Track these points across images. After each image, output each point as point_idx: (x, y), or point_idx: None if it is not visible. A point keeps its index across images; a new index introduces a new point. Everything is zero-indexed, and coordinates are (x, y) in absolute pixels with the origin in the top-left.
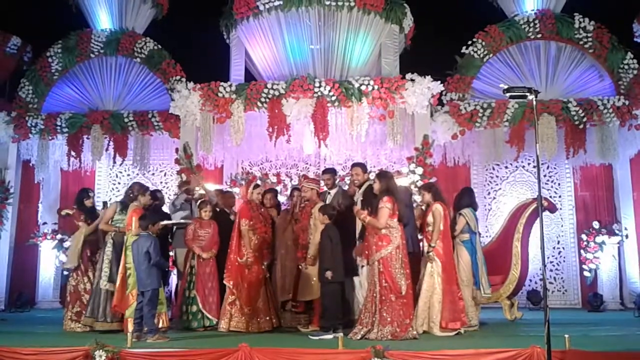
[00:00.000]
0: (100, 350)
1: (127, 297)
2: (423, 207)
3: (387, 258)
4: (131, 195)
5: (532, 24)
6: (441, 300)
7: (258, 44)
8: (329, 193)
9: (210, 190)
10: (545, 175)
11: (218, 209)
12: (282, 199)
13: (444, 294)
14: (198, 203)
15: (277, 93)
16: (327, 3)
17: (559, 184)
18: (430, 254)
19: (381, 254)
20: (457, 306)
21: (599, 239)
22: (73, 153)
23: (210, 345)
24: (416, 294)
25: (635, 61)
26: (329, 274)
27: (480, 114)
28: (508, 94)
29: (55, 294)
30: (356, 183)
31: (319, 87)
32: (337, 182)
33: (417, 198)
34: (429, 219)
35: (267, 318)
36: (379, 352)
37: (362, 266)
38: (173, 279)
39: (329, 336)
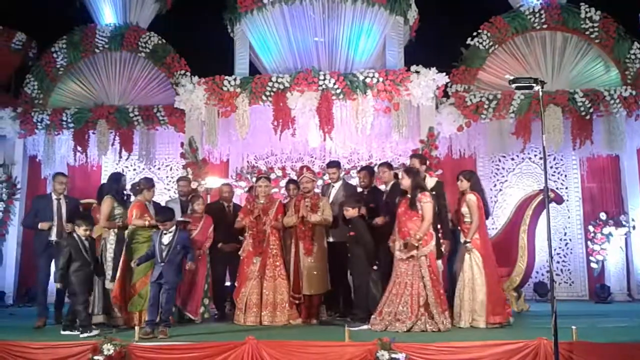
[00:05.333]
0: (108, 344)
1: (128, 290)
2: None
3: (432, 252)
4: (137, 188)
5: (537, 15)
6: (485, 293)
7: (262, 37)
8: (333, 186)
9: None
10: (551, 167)
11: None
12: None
13: (487, 287)
14: (190, 197)
15: (281, 86)
16: None
17: (565, 176)
18: (468, 245)
19: (429, 247)
20: (500, 299)
21: (606, 230)
22: (79, 148)
23: (217, 338)
24: (458, 288)
25: None
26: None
27: (486, 106)
28: (514, 85)
29: None
30: (384, 179)
31: (324, 80)
32: (342, 175)
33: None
34: (464, 209)
35: (271, 312)
36: (386, 345)
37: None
38: None
39: (366, 326)
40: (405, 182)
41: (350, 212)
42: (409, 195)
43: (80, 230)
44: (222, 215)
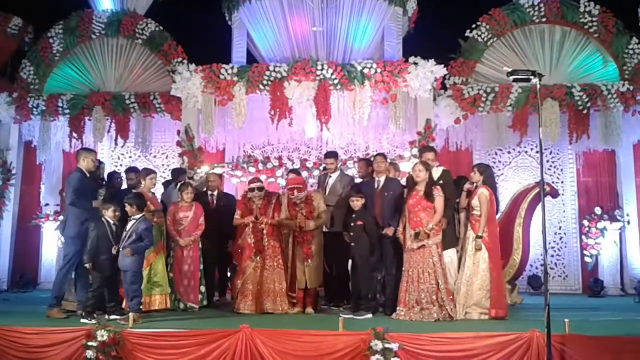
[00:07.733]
0: (102, 330)
1: None
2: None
3: (440, 243)
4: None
5: (537, 8)
6: (490, 288)
7: (260, 26)
8: (330, 176)
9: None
10: (547, 161)
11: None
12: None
13: (492, 282)
14: (179, 185)
15: (279, 76)
16: None
17: (561, 170)
18: (478, 241)
19: (439, 237)
20: (502, 294)
21: (600, 224)
22: (75, 134)
23: (212, 326)
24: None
25: None
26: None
27: (483, 98)
28: (512, 77)
29: None
30: (379, 170)
31: (321, 70)
32: (339, 165)
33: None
34: (474, 202)
35: (268, 301)
36: (379, 334)
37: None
38: None
39: (370, 315)
40: (423, 174)
41: (358, 203)
42: (418, 188)
43: (109, 212)
44: (204, 204)
